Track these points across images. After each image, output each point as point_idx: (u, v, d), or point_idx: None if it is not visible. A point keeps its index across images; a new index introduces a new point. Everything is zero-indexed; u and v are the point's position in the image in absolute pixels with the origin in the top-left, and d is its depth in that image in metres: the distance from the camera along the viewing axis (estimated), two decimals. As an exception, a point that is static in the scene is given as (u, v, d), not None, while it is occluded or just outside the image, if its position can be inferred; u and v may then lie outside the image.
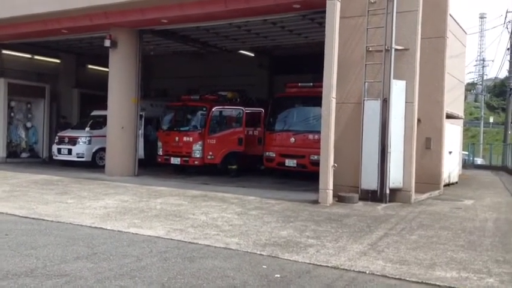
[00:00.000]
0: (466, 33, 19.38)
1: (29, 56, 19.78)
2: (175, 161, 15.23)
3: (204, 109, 15.26)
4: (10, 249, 5.79)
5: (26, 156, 19.18)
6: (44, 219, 7.68)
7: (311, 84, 14.07)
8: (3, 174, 14.13)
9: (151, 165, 16.09)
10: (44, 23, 15.00)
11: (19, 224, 7.35)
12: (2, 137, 18.17)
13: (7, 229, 6.90)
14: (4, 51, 18.59)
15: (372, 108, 10.38)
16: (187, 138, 15.05)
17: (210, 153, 14.83)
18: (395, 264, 5.59)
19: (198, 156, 14.81)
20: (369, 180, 10.32)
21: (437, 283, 4.94)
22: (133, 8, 13.26)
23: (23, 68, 19.38)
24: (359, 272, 5.28)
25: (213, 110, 15.09)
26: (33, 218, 7.76)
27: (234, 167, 15.17)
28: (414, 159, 10.43)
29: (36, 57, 20.12)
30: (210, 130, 14.99)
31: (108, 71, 15.07)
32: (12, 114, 18.96)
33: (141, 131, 15.44)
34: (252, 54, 20.22)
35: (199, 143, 14.82)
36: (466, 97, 37.91)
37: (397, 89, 10.23)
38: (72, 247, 5.99)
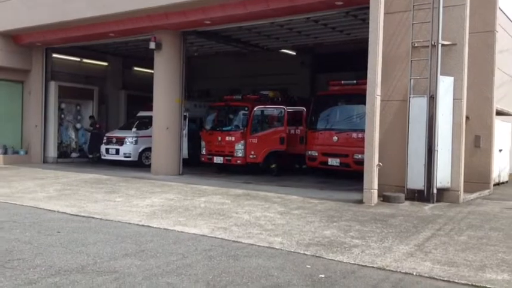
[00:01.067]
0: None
1: (78, 59, 20.49)
2: (218, 160, 15.39)
3: (246, 109, 15.33)
4: (62, 246, 6.03)
5: (76, 156, 19.90)
6: (93, 217, 7.94)
7: (354, 81, 13.87)
8: (54, 173, 14.72)
9: (195, 164, 16.33)
10: (92, 27, 15.51)
11: (70, 221, 7.64)
12: (53, 138, 18.90)
13: (59, 227, 7.19)
14: (55, 55, 19.32)
15: (418, 105, 10.13)
16: (230, 138, 15.17)
17: (252, 152, 14.90)
18: (444, 266, 5.44)
19: (240, 155, 14.90)
20: (415, 180, 10.07)
21: (488, 286, 4.78)
22: (176, 10, 13.50)
23: (72, 71, 20.09)
24: (406, 273, 5.17)
25: (254, 109, 15.14)
26: (83, 216, 8.04)
27: (273, 166, 15.15)
28: (463, 157, 10.09)
29: (85, 60, 20.83)
30: (252, 129, 15.05)
31: (153, 73, 15.41)
32: (62, 115, 19.72)
33: (185, 131, 15.69)
34: (294, 53, 20.14)
35: (242, 142, 14.91)
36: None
37: (445, 85, 9.94)
38: (120, 244, 6.17)
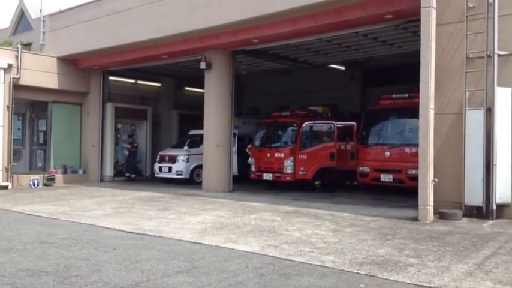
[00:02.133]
0: None
1: (133, 81, 21.29)
2: (267, 177, 15.40)
3: (295, 125, 15.31)
4: (117, 263, 6.19)
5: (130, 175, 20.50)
6: (147, 234, 8.12)
7: (406, 95, 13.57)
8: (111, 192, 15.23)
9: (245, 181, 16.42)
10: (145, 50, 16.13)
11: (125, 239, 7.84)
12: (109, 157, 19.61)
13: (114, 244, 7.40)
14: (111, 78, 20.16)
15: (474, 118, 9.75)
16: (279, 154, 15.17)
17: (302, 168, 14.81)
18: (506, 286, 5.16)
19: (289, 172, 14.85)
20: (473, 196, 9.65)
21: (558, 309, 4.47)
22: (227, 30, 13.79)
23: (127, 93, 20.88)
24: (465, 294, 4.95)
25: (303, 125, 15.09)
26: (137, 233, 8.24)
27: (316, 182, 14.95)
28: (524, 172, 9.61)
29: (139, 82, 21.62)
30: (301, 145, 14.99)
31: (203, 92, 15.74)
32: (118, 135, 20.45)
33: (234, 148, 15.85)
34: (343, 68, 20.00)
35: (291, 158, 14.87)
36: None
37: (502, 97, 9.53)
38: (173, 261, 6.26)
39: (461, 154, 9.84)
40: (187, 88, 23.21)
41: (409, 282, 5.35)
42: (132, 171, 19.66)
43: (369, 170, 13.81)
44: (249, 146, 16.73)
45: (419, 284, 5.28)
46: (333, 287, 5.19)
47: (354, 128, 15.81)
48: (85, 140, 19.40)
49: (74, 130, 19.34)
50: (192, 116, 20.59)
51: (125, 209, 11.21)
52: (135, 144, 20.11)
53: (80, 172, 19.13)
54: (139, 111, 20.94)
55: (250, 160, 16.06)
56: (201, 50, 15.22)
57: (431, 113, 9.50)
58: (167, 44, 15.38)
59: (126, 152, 20.23)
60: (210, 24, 13.58)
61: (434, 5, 9.70)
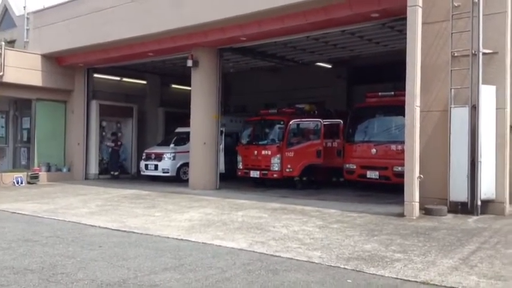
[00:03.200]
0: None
1: (118, 78, 21.11)
2: (254, 174, 15.41)
3: (282, 122, 15.33)
4: (103, 261, 6.14)
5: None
6: (133, 232, 8.07)
7: (392, 93, 13.66)
8: (96, 189, 15.09)
9: (232, 179, 16.40)
10: (131, 47, 15.98)
11: (111, 236, 7.78)
12: (94, 155, 19.43)
13: (100, 241, 7.33)
14: (96, 75, 19.96)
15: (459, 115, 9.86)
16: (266, 152, 15.18)
17: (289, 166, 14.83)
18: (491, 280, 5.22)
19: (276, 169, 14.87)
20: (458, 192, 9.76)
21: (541, 302, 4.55)
22: (214, 28, 13.71)
23: (112, 90, 20.73)
24: (451, 287, 4.99)
25: (290, 123, 15.11)
26: (123, 231, 8.18)
27: (304, 178, 14.99)
28: (508, 168, 9.73)
29: (125, 79, 21.43)
30: (288, 143, 15.01)
31: (190, 90, 15.67)
32: (103, 133, 20.26)
33: (221, 146, 15.82)
34: (330, 66, 20.07)
35: (278, 156, 14.88)
36: None
37: (487, 94, 9.65)
38: (160, 258, 6.23)
39: (446, 151, 9.94)
40: (174, 86, 23.09)
41: (395, 276, 5.39)
42: (116, 170, 19.49)
43: (355, 167, 13.88)
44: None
45: (406, 278, 5.33)
46: (320, 282, 5.21)
47: (340, 125, 15.87)
48: (70, 138, 19.19)
49: (59, 128, 19.12)
50: (178, 113, 20.49)
51: (111, 207, 11.12)
52: (119, 143, 19.93)
53: (65, 170, 18.92)
54: (125, 109, 20.75)
55: (238, 158, 16.04)
56: (188, 48, 15.13)
57: (417, 110, 9.57)
58: (154, 41, 15.24)
59: (106, 150, 20.09)
60: (198, 21, 13.50)
61: (420, 4, 9.75)
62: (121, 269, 5.73)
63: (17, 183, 16.83)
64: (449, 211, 9.67)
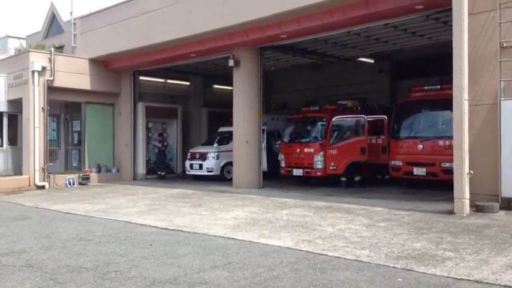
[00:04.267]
0: None
1: (162, 80, 21.56)
2: (297, 172, 15.35)
3: (324, 119, 15.19)
4: (154, 259, 6.32)
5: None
6: (181, 231, 8.25)
7: (438, 86, 13.29)
8: (144, 189, 15.50)
9: (274, 177, 16.44)
10: (175, 49, 16.29)
11: (160, 235, 7.99)
12: (142, 156, 19.95)
13: (151, 240, 7.54)
14: (141, 78, 20.47)
15: (509, 108, 9.50)
16: (309, 150, 15.09)
17: (332, 163, 14.69)
18: (550, 280, 5.03)
19: (319, 167, 14.75)
20: (510, 188, 9.42)
21: None
22: (254, 26, 13.79)
23: (157, 92, 21.17)
24: (505, 286, 4.86)
25: (333, 120, 14.96)
26: (172, 230, 8.38)
27: (357, 178, 14.83)
28: None
29: (169, 81, 21.86)
30: (331, 140, 14.88)
31: (232, 89, 15.83)
32: (150, 134, 20.76)
33: (264, 144, 15.87)
34: (372, 61, 19.74)
35: (321, 153, 14.77)
36: None
37: (540, 85, 9.26)
38: (208, 256, 6.35)
39: (496, 145, 9.61)
40: (216, 86, 23.34)
41: (447, 275, 5.28)
42: (162, 169, 19.93)
43: (401, 163, 13.60)
44: (278, 142, 16.72)
45: (458, 277, 5.21)
46: (370, 281, 5.17)
47: (384, 121, 15.59)
48: (118, 139, 19.80)
49: (107, 130, 19.76)
50: (221, 113, 20.71)
51: (159, 206, 11.40)
52: (165, 143, 20.38)
53: (114, 171, 19.53)
54: (170, 110, 21.20)
55: (280, 156, 16.05)
56: (229, 47, 15.28)
57: (466, 104, 9.30)
58: (197, 42, 15.48)
59: (153, 150, 20.53)
60: (238, 21, 13.60)
61: (466, -6, 9.49)
62: (171, 266, 5.88)
63: (69, 184, 17.52)
64: (501, 208, 9.35)
